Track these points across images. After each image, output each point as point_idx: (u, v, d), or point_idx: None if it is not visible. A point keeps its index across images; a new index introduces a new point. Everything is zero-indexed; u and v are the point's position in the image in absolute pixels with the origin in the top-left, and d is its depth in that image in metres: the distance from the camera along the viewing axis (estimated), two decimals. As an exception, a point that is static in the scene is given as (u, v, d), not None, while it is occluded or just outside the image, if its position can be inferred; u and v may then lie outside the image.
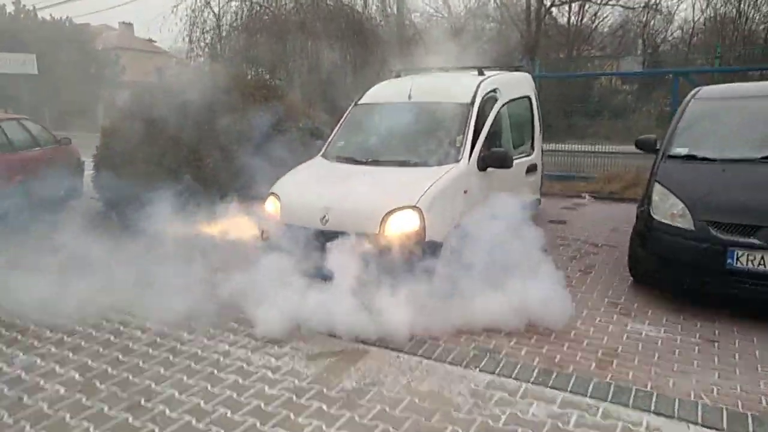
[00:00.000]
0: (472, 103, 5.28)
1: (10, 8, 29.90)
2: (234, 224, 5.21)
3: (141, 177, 6.17)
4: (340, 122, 5.98)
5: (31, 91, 23.01)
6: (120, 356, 3.79)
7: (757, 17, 20.03)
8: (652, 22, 21.46)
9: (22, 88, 21.82)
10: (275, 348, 3.88)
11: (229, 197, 5.65)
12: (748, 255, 3.87)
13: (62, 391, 3.35)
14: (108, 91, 31.11)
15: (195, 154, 6.61)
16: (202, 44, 10.32)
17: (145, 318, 4.34)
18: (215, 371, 3.57)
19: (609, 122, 13.00)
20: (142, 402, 3.22)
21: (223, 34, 10.20)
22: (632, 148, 8.50)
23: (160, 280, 4.48)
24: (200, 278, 4.57)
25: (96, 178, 7.43)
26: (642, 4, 20.64)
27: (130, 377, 3.51)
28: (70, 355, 3.82)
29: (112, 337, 4.08)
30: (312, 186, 4.99)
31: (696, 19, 21.46)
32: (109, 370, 3.61)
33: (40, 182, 7.35)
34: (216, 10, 10.52)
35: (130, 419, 3.04)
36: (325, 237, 4.32)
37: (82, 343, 3.99)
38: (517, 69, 7.12)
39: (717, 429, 2.86)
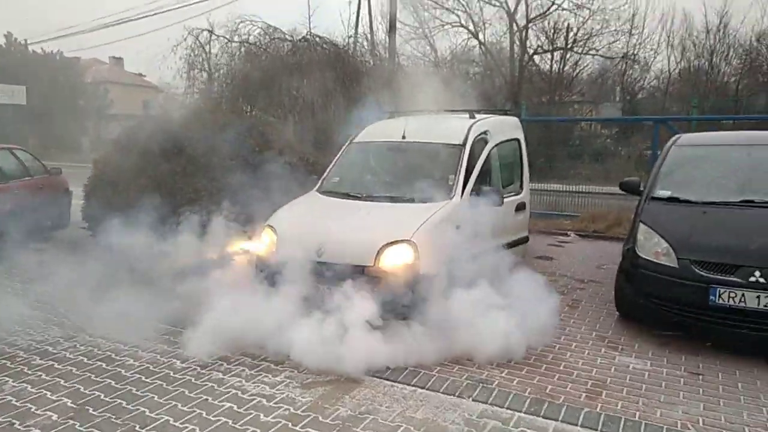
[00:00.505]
0: (464, 143, 5.49)
1: (1, 40, 30.20)
2: (228, 254, 5.27)
3: (132, 207, 6.21)
4: (336, 159, 6.14)
5: (19, 122, 23.00)
6: (113, 383, 3.77)
7: (729, 70, 21.11)
8: (629, 71, 22.40)
9: (9, 119, 21.81)
10: (269, 376, 3.90)
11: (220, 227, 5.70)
12: (729, 292, 4.04)
13: (54, 417, 3.32)
14: (95, 123, 31.23)
15: (189, 185, 6.68)
16: (199, 82, 10.57)
17: (137, 347, 4.33)
18: (210, 399, 3.57)
19: (589, 164, 13.42)
20: (137, 429, 3.20)
21: (220, 72, 10.49)
22: (613, 189, 8.81)
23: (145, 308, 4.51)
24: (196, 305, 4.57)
25: (86, 207, 7.44)
26: (620, 55, 21.62)
27: (124, 404, 3.49)
28: (62, 381, 3.78)
29: (104, 365, 4.06)
30: (308, 219, 5.09)
31: (672, 69, 22.47)
32: (102, 396, 3.58)
33: (30, 211, 7.35)
34: (215, 49, 10.88)
35: (125, 445, 3.03)
36: (320, 269, 4.40)
37: (73, 370, 3.95)
38: (505, 113, 7.41)
39: (704, 458, 2.95)
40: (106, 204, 6.73)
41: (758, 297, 3.98)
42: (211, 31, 10.69)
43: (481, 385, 3.76)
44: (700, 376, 3.89)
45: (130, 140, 7.59)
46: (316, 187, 5.84)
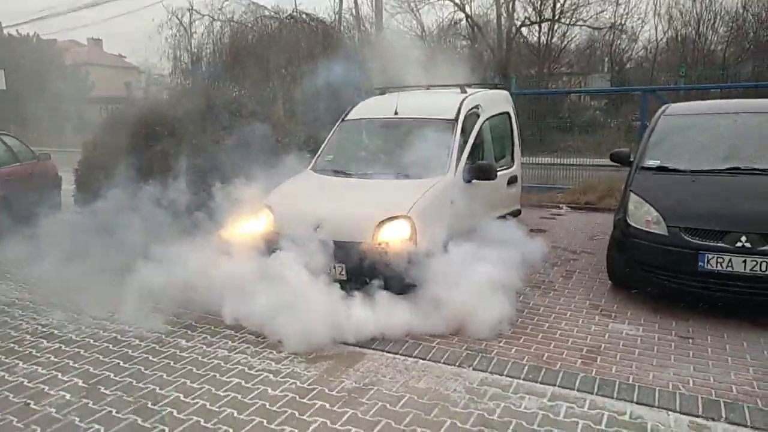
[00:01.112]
0: (456, 118, 5.54)
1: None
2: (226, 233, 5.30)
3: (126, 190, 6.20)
4: (328, 137, 6.16)
5: (-1, 106, 22.57)
6: (121, 363, 3.85)
7: (715, 38, 21.19)
8: (617, 42, 22.41)
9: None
10: (274, 352, 4.00)
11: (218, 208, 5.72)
12: (717, 258, 4.17)
13: (68, 396, 3.40)
14: (77, 106, 30.69)
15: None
16: (182, 63, 10.45)
17: (142, 327, 4.41)
18: (217, 375, 3.67)
19: (580, 136, 13.52)
20: (149, 405, 3.29)
21: (206, 52, 10.37)
22: (603, 161, 8.92)
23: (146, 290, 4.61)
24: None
25: (79, 191, 7.42)
26: (608, 25, 21.58)
27: (134, 383, 3.57)
28: (71, 363, 3.86)
29: (110, 346, 4.13)
30: (304, 197, 5.14)
31: (659, 39, 22.50)
32: (112, 376, 3.67)
33: (22, 198, 7.31)
34: (199, 29, 10.72)
35: (140, 421, 3.12)
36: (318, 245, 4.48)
37: (81, 352, 4.03)
38: (496, 87, 7.44)
39: (694, 415, 3.09)
40: (98, 188, 6.72)
41: (744, 261, 4.11)
42: (196, 11, 10.53)
43: (480, 354, 3.88)
44: (690, 340, 4.04)
45: (119, 122, 7.55)
46: (310, 165, 5.87)
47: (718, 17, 20.91)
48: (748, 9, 20.11)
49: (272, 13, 9.51)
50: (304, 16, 9.36)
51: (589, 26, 21.75)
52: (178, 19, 11.87)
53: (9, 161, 7.91)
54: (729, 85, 10.93)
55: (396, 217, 4.54)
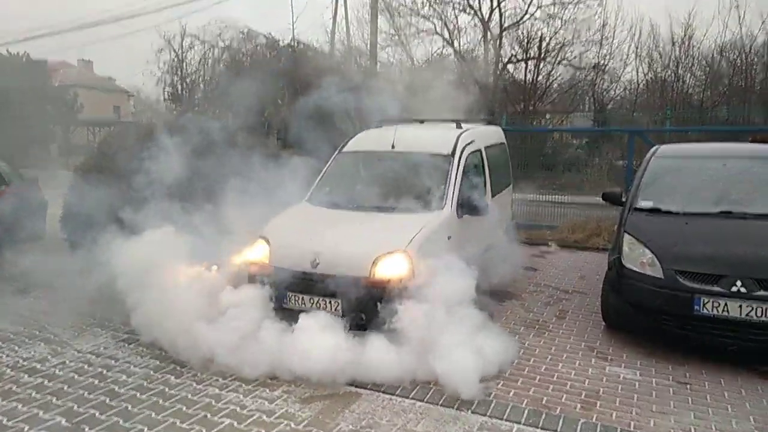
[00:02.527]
0: (453, 153, 5.58)
1: (-36, 41, 29.16)
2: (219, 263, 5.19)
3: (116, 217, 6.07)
4: (324, 169, 6.14)
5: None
6: (107, 400, 3.69)
7: (692, 81, 21.89)
8: (599, 82, 23.00)
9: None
10: (267, 391, 3.88)
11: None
12: (713, 302, 4.19)
13: (50, 437, 3.24)
14: (64, 128, 30.40)
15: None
16: (181, 89, 10.49)
17: (129, 362, 4.26)
18: (209, 415, 3.54)
19: (563, 174, 13.70)
20: (137, 447, 3.15)
21: (205, 79, 10.42)
22: (588, 199, 9.03)
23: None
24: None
25: (65, 217, 7.25)
26: (592, 65, 22.18)
27: (121, 422, 3.43)
28: (54, 400, 3.69)
29: (96, 381, 3.97)
30: (301, 230, 5.08)
31: (640, 80, 23.17)
32: (97, 414, 3.51)
33: (6, 222, 7.11)
34: (193, 55, 10.81)
35: (127, 465, 2.98)
36: (315, 280, 4.42)
37: (65, 388, 3.86)
38: (489, 122, 7.55)
39: (699, 465, 3.06)
40: (88, 214, 6.57)
41: (740, 306, 4.14)
42: (195, 36, 10.60)
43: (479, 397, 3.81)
44: (688, 385, 4.02)
45: (112, 147, 7.44)
46: (306, 197, 5.83)
47: (696, 61, 21.67)
48: (724, 54, 20.88)
49: (270, 41, 9.62)
50: (302, 45, 9.47)
51: (573, 66, 22.32)
52: (170, 44, 11.95)
53: (-6, 183, 7.73)
54: (715, 129, 11.28)
55: (394, 252, 4.50)
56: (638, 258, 4.69)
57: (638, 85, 23.15)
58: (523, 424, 3.47)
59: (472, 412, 3.61)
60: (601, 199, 5.98)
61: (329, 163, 6.17)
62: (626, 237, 4.89)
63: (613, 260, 4.97)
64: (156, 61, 11.39)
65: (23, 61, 30.64)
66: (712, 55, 21.15)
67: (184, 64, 11.54)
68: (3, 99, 24.52)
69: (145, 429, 3.35)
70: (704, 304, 4.23)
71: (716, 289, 4.22)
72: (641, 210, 5.13)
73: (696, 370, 4.24)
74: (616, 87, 23.78)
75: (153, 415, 3.52)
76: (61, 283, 5.33)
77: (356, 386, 3.94)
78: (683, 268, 4.39)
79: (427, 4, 21.02)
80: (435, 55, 22.31)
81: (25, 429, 3.33)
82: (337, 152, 6.25)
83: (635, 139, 9.30)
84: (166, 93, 12.41)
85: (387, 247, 4.51)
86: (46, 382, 3.96)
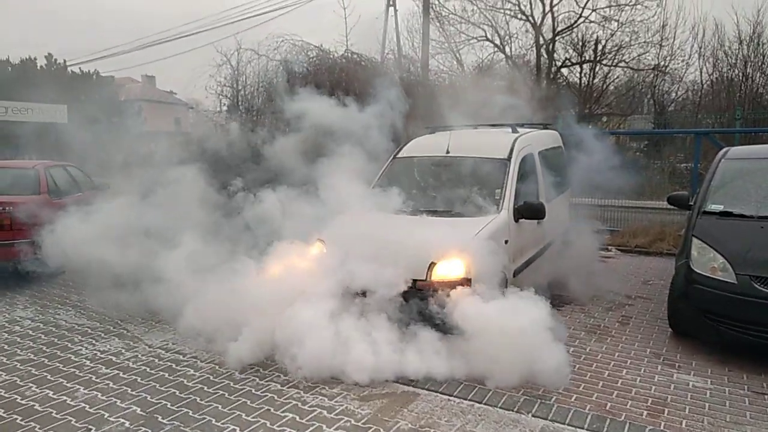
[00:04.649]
0: (509, 158, 5.53)
1: (42, 61, 31.40)
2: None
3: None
4: (379, 174, 6.22)
5: (61, 139, 23.80)
6: (177, 392, 3.88)
7: (763, 80, 20.70)
8: (660, 83, 22.14)
9: (52, 137, 22.63)
10: (326, 389, 3.96)
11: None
12: (792, 308, 3.96)
13: (127, 424, 3.44)
14: (130, 139, 32.06)
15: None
16: (238, 101, 10.93)
17: (196, 357, 4.46)
18: (272, 409, 3.64)
19: (623, 177, 13.22)
20: (207, 437, 3.29)
21: (258, 90, 10.78)
22: (648, 203, 8.69)
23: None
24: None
25: None
26: (651, 66, 21.39)
27: (190, 413, 3.59)
28: (129, 390, 3.91)
29: (166, 375, 4.18)
30: (357, 233, 5.15)
31: (704, 81, 22.12)
32: (169, 405, 3.69)
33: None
34: (249, 69, 11.23)
35: (198, 453, 3.12)
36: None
37: (138, 380, 4.08)
38: (545, 126, 7.43)
39: (779, 479, 2.89)
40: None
41: (822, 314, 3.89)
42: (253, 50, 11.00)
43: (539, 401, 3.75)
44: (766, 396, 3.81)
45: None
46: (362, 202, 5.91)
47: (766, 59, 20.49)
48: (798, 50, 19.67)
49: (328, 54, 9.84)
50: (356, 56, 9.62)
51: (631, 68, 21.59)
52: (227, 58, 12.44)
53: (73, 190, 8.29)
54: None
55: (451, 256, 4.50)
56: (708, 263, 4.49)
57: (702, 85, 22.10)
58: (587, 429, 3.38)
59: (533, 416, 3.55)
60: (666, 202, 5.77)
61: (383, 168, 6.24)
62: (695, 241, 4.70)
63: (681, 265, 4.77)
64: (216, 75, 11.91)
65: (93, 79, 32.73)
66: (785, 51, 19.95)
67: (243, 77, 12.01)
68: (78, 114, 26.23)
69: (213, 420, 3.49)
70: (783, 311, 4.00)
71: (796, 295, 3.99)
72: (711, 213, 4.91)
73: (774, 381, 4.02)
74: (678, 88, 22.81)
75: (220, 407, 3.66)
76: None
77: (414, 386, 3.95)
78: (759, 273, 4.17)
79: (477, 11, 20.88)
80: (486, 61, 22.14)
81: (105, 416, 3.54)
82: (391, 158, 6.32)
83: (702, 141, 8.92)
84: (222, 105, 12.91)
85: (444, 251, 4.52)
86: (121, 374, 4.20)
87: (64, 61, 32.00)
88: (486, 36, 21.73)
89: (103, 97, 32.05)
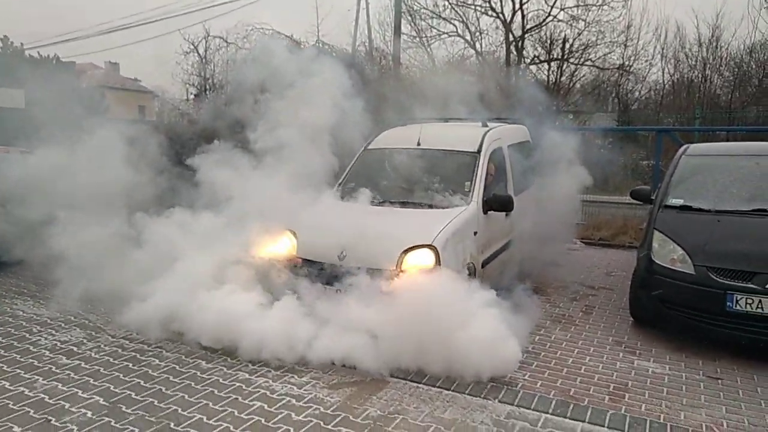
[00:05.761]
0: (479, 151, 5.60)
1: (-3, 44, 30.06)
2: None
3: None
4: (350, 165, 6.20)
5: (18, 125, 22.89)
6: (142, 383, 3.79)
7: (720, 82, 21.49)
8: (624, 82, 22.72)
9: (9, 122, 21.73)
10: (295, 377, 3.94)
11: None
12: (746, 298, 4.14)
13: (89, 414, 3.35)
14: (91, 127, 31.05)
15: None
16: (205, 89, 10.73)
17: (161, 347, 4.38)
18: (239, 398, 3.61)
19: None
20: (172, 426, 3.24)
21: (226, 79, 10.60)
22: (613, 197, 8.92)
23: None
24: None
25: None
26: (616, 66, 21.92)
27: (155, 402, 3.52)
28: (91, 381, 3.81)
29: (130, 365, 4.08)
30: (327, 224, 5.14)
31: (665, 81, 22.82)
32: (133, 395, 3.61)
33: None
34: (217, 57, 11.03)
35: (164, 442, 3.06)
36: (342, 272, 4.48)
37: (101, 370, 3.98)
38: (515, 121, 7.53)
39: (731, 458, 3.02)
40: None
41: (774, 303, 4.08)
42: (221, 38, 10.78)
43: (505, 387, 3.82)
44: (720, 380, 3.97)
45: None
46: (332, 192, 5.89)
47: (724, 62, 21.28)
48: (754, 55, 20.47)
49: (298, 44, 9.72)
50: (327, 47, 9.56)
51: (597, 66, 22.09)
52: (194, 46, 12.22)
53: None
54: (739, 129, 11.06)
55: (421, 246, 4.53)
56: (668, 254, 4.65)
57: (664, 86, 22.81)
58: (551, 414, 3.47)
59: (500, 401, 3.62)
60: (629, 197, 5.94)
61: (354, 159, 6.23)
62: (656, 234, 4.85)
63: (642, 257, 4.92)
64: (183, 62, 11.64)
65: (53, 63, 31.52)
66: (741, 55, 20.75)
67: (211, 65, 11.77)
68: (35, 99, 25.24)
69: (179, 409, 3.43)
70: (737, 301, 4.18)
71: (750, 285, 4.16)
72: (671, 207, 5.08)
73: (727, 366, 4.19)
74: (641, 88, 23.46)
75: (186, 397, 3.60)
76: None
77: (383, 373, 3.97)
78: (715, 265, 4.34)
79: (448, 7, 20.98)
80: (456, 56, 22.27)
81: (66, 406, 3.44)
82: (362, 149, 6.31)
83: (663, 139, 9.20)
84: (189, 93, 12.68)
85: (413, 241, 4.55)
86: (83, 364, 4.08)
87: (21, 44, 30.66)
88: (457, 32, 21.87)
89: (63, 82, 30.98)
